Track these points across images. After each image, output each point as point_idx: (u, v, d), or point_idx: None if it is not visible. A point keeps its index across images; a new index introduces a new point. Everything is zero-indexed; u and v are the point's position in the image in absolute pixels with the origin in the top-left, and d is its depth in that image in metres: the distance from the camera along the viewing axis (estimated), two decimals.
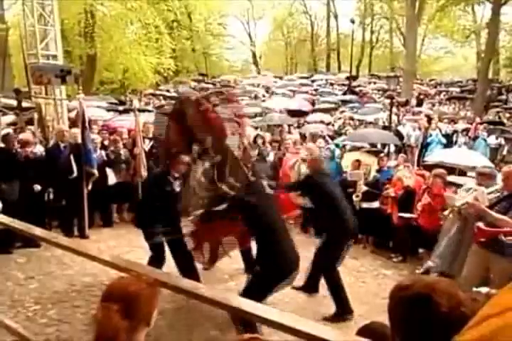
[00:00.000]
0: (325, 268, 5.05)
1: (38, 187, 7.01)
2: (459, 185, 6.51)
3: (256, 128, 12.98)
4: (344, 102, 21.63)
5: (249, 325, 3.38)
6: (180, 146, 5.08)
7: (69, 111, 10.35)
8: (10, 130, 9.09)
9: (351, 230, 5.16)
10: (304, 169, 6.98)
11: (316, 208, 5.46)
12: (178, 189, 5.25)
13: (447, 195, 5.60)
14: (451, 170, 7.88)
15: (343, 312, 4.82)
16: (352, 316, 4.81)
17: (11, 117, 10.71)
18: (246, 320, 3.56)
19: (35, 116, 9.33)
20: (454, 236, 5.49)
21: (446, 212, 5.51)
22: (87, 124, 7.30)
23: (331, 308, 4.89)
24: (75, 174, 7.24)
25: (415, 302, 1.30)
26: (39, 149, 7.66)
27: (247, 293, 3.71)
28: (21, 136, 7.44)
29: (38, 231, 2.96)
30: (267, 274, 4.03)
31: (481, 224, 4.37)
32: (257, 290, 3.90)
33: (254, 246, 4.38)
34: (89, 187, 7.41)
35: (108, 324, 1.63)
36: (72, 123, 9.05)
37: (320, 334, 1.55)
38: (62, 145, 7.58)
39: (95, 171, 7.36)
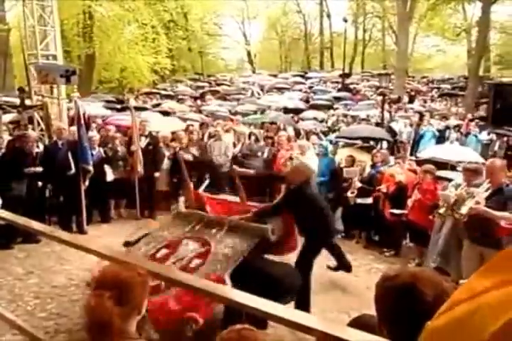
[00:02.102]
0: (301, 266, 4.90)
1: (39, 184, 7.21)
2: (451, 180, 6.50)
3: (250, 125, 13.11)
4: (337, 99, 21.80)
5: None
6: None
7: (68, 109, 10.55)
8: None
9: (332, 236, 5.36)
10: None
11: (300, 214, 5.09)
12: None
13: (442, 193, 5.55)
14: (443, 165, 7.89)
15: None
16: None
17: (11, 115, 10.90)
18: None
19: (36, 114, 9.47)
20: (449, 233, 5.56)
21: (441, 211, 5.31)
22: (82, 122, 7.33)
23: (326, 303, 5.01)
24: (73, 170, 7.33)
25: (401, 291, 1.33)
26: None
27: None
28: (31, 135, 7.52)
29: (36, 225, 2.99)
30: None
31: (502, 223, 4.39)
32: None
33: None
34: (86, 183, 7.47)
35: (102, 310, 1.63)
36: (72, 122, 9.28)
37: (314, 325, 1.59)
38: (60, 142, 7.67)
39: (91, 168, 7.42)
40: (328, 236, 5.30)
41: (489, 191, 4.68)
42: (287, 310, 1.75)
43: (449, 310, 0.86)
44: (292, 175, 5.39)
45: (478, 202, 4.57)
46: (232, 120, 12.84)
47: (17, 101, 10.45)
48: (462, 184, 5.28)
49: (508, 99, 7.52)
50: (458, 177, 6.32)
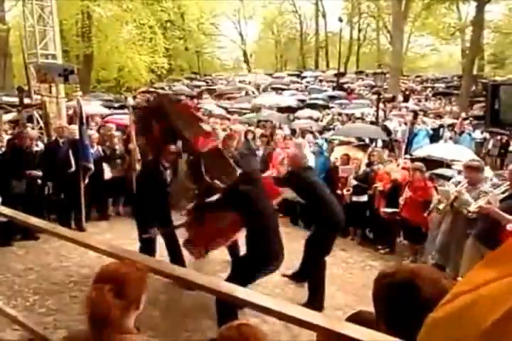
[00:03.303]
0: (312, 259, 5.10)
1: (39, 182, 7.24)
2: (447, 177, 6.55)
3: (246, 123, 13.10)
4: (332, 98, 21.95)
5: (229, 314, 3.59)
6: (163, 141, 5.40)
7: (67, 108, 10.53)
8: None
9: (339, 223, 5.20)
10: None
11: (305, 202, 5.52)
12: (168, 179, 5.43)
13: (441, 189, 5.58)
14: (439, 163, 7.97)
15: (313, 304, 4.71)
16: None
17: (11, 114, 11.01)
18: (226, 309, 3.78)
19: (35, 113, 9.52)
20: (449, 229, 5.48)
21: (440, 206, 5.46)
22: (84, 120, 7.36)
23: None
24: (73, 168, 7.35)
25: (399, 288, 1.32)
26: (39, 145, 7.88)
27: (231, 279, 3.78)
28: (30, 132, 7.61)
29: (38, 222, 3.01)
30: (251, 261, 4.11)
31: (508, 227, 4.30)
32: (241, 276, 3.94)
33: (242, 236, 4.40)
34: (86, 181, 7.49)
35: (101, 302, 1.68)
36: (70, 120, 9.21)
37: (316, 321, 1.60)
38: (60, 140, 7.64)
39: (91, 166, 7.47)
40: (334, 226, 5.19)
41: (506, 193, 4.68)
42: (289, 306, 1.76)
43: (449, 302, 0.86)
44: (290, 160, 5.73)
45: (489, 202, 4.56)
46: (228, 119, 12.98)
47: (17, 100, 10.51)
48: (462, 181, 5.30)
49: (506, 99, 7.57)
50: (456, 175, 6.37)
